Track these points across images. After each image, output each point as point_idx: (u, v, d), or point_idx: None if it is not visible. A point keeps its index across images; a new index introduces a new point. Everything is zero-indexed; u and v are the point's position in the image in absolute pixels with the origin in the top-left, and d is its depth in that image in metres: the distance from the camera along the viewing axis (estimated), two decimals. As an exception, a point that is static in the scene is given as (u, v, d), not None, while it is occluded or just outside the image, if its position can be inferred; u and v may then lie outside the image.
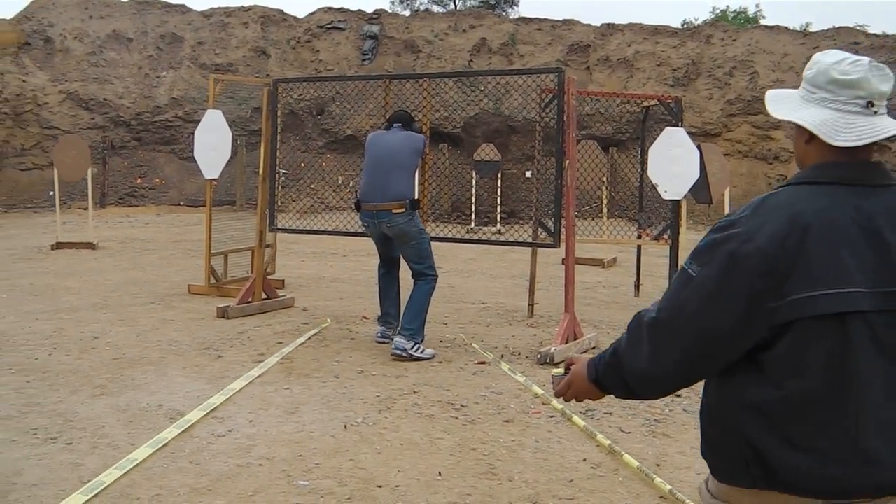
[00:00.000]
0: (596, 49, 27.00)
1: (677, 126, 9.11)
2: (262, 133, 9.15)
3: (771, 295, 1.93)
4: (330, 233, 8.98)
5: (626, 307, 10.22)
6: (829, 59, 2.12)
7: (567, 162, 7.52)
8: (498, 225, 20.81)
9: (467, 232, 18.53)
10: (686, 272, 2.07)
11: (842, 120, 2.07)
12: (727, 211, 11.73)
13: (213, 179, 10.12)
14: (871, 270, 1.94)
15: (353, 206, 7.65)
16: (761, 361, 1.98)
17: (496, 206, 21.70)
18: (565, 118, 7.53)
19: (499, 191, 21.26)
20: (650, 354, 2.09)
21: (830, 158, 2.08)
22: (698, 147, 9.38)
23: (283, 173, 23.14)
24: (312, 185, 23.43)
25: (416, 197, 7.38)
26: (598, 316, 9.44)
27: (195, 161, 10.19)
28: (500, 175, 21.15)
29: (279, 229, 9.46)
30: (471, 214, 21.35)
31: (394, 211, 7.17)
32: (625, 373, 2.17)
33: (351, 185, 23.09)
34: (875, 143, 2.06)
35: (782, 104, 2.20)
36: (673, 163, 9.02)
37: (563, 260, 8.03)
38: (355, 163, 23.10)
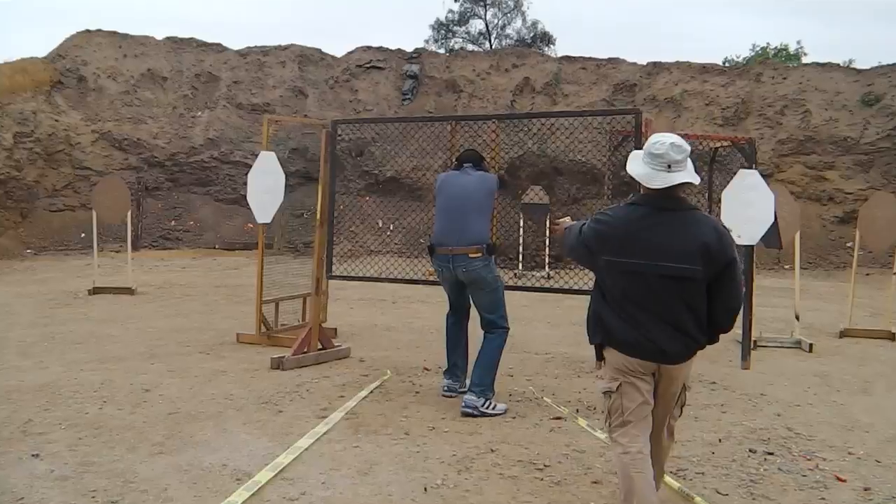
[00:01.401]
0: (642, 88, 26.90)
1: (751, 168, 8.94)
2: (321, 176, 9.04)
3: (603, 252, 4.48)
4: (394, 280, 8.92)
5: (701, 355, 9.94)
6: (651, 141, 4.45)
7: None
8: (546, 269, 20.60)
9: (515, 277, 18.33)
10: (583, 227, 4.66)
11: (654, 173, 4.37)
12: (797, 256, 11.51)
13: (265, 223, 9.99)
14: (644, 252, 4.34)
15: (426, 250, 7.55)
16: (602, 282, 4.53)
17: (544, 250, 21.51)
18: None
19: (547, 234, 21.08)
20: (568, 246, 4.79)
21: (648, 192, 4.44)
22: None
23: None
24: (352, 229, 23.37)
25: (494, 241, 7.26)
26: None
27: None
28: (548, 218, 20.99)
29: (337, 276, 9.31)
30: (518, 258, 21.17)
31: (471, 255, 7.05)
32: (565, 244, 4.85)
33: (392, 228, 23.04)
34: (675, 186, 4.34)
35: (631, 162, 4.55)
36: (747, 206, 8.87)
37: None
38: (396, 206, 23.07)
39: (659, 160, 4.35)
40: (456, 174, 7.42)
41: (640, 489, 4.35)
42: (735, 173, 9.43)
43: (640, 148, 7.36)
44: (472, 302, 7.47)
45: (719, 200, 9.74)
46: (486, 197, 7.24)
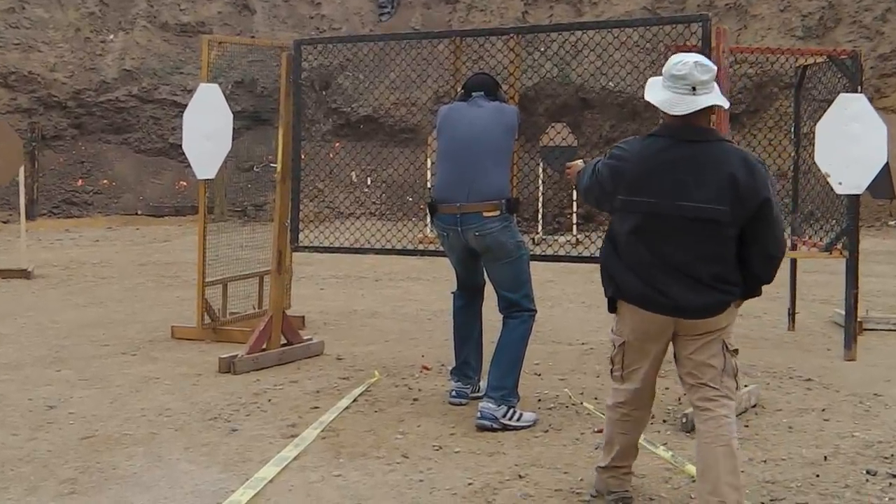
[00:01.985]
0: (696, -9, 26.75)
1: (856, 92, 8.79)
2: (281, 116, 8.94)
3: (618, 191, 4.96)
4: (380, 252, 8.75)
5: (782, 345, 9.93)
6: (671, 62, 4.87)
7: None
8: (574, 232, 20.53)
9: (534, 243, 18.23)
10: (597, 164, 5.15)
11: (676, 98, 4.80)
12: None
13: (208, 180, 9.91)
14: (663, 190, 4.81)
15: (426, 208, 7.46)
16: (614, 228, 5.06)
17: (571, 208, 21.42)
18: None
19: (573, 186, 20.99)
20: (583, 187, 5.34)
21: (670, 122, 4.92)
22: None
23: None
24: (318, 185, 23.20)
25: (515, 196, 7.13)
26: (746, 358, 9.07)
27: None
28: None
29: (305, 248, 9.18)
30: (537, 219, 21.07)
31: (485, 214, 6.94)
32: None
33: (369, 183, 22.93)
34: (701, 111, 4.81)
35: (650, 89, 4.96)
36: (850, 143, 8.76)
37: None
38: (374, 153, 22.92)
39: (682, 82, 4.79)
40: (463, 106, 7.31)
41: (621, 449, 5.31)
42: (827, 102, 9.28)
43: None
44: (487, 277, 7.37)
45: (809, 140, 9.59)
46: (504, 135, 7.16)
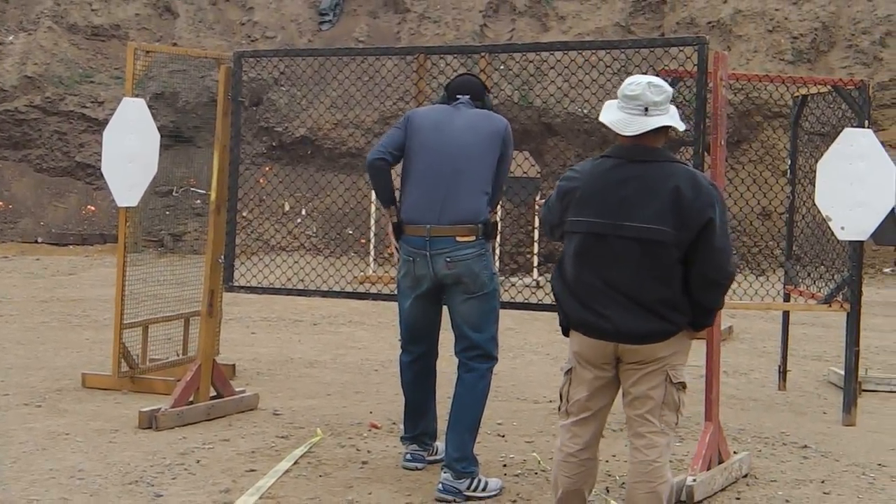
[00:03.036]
0: (675, 7, 27.03)
1: (864, 127, 8.89)
2: (217, 135, 8.86)
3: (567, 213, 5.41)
4: (327, 294, 8.74)
5: (773, 407, 9.99)
6: (625, 82, 5.30)
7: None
8: (535, 274, 20.57)
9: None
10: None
11: (628, 118, 5.25)
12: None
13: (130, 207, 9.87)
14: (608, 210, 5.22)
15: (392, 228, 7.20)
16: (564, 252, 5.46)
17: (531, 247, 21.49)
18: (709, 115, 7.33)
19: (536, 223, 21.02)
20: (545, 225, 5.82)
21: (622, 142, 5.38)
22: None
23: (203, 194, 22.87)
24: (245, 215, 23.13)
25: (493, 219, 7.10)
26: (734, 421, 9.18)
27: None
28: (538, 199, 20.92)
29: (241, 288, 9.12)
30: (494, 258, 21.08)
31: (459, 239, 6.82)
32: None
33: (304, 213, 22.86)
34: (655, 132, 5.27)
35: (605, 110, 5.40)
36: (855, 184, 8.81)
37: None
38: (311, 179, 22.81)
39: (634, 103, 5.25)
40: (444, 110, 7.21)
41: (563, 495, 5.53)
42: (822, 136, 9.37)
43: (704, 97, 7.46)
44: (451, 313, 7.17)
45: (810, 177, 9.68)
46: (490, 149, 7.00)
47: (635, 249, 5.12)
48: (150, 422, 8.44)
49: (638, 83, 5.26)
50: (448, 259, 6.84)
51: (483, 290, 6.95)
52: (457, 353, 7.12)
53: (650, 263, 5.12)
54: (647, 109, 5.22)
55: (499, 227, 7.49)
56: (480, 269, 6.92)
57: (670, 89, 5.39)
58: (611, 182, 5.25)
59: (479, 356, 7.04)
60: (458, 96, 7.21)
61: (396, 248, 7.19)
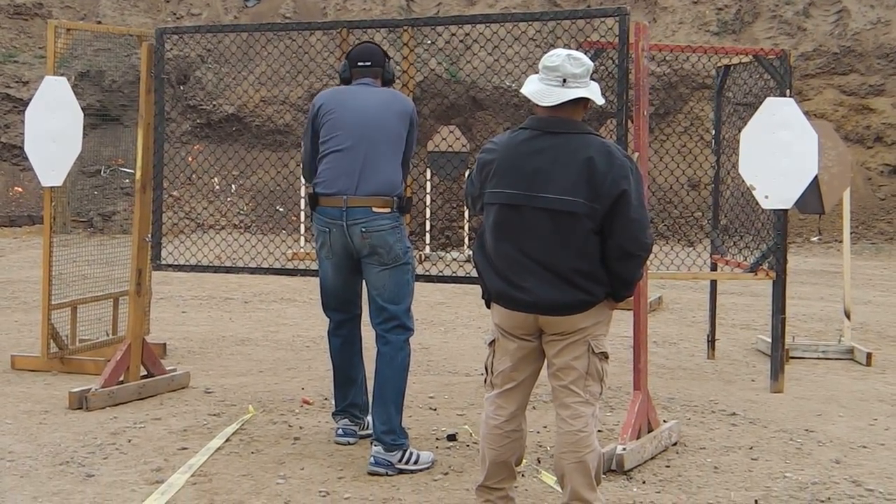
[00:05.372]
0: (600, -20, 27.10)
1: (785, 96, 8.96)
2: (142, 114, 8.80)
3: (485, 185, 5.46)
4: (255, 270, 8.73)
5: (702, 376, 10.08)
6: (546, 54, 5.39)
7: (636, 154, 7.29)
8: (465, 248, 20.60)
9: (422, 261, 18.25)
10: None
11: (547, 89, 5.33)
12: (847, 226, 11.64)
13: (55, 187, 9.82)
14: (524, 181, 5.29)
15: (307, 202, 7.35)
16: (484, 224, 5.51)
17: (461, 221, 21.51)
18: (632, 86, 7.37)
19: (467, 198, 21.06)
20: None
21: (540, 113, 5.44)
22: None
23: (131, 173, 22.61)
24: (174, 193, 22.99)
25: (407, 194, 7.23)
26: (664, 390, 9.24)
27: None
28: (467, 173, 20.98)
29: (169, 266, 9.08)
30: (424, 234, 21.11)
31: (375, 209, 6.90)
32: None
33: (234, 190, 22.75)
34: (573, 104, 5.36)
35: (527, 83, 5.47)
36: (778, 153, 8.89)
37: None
38: (239, 157, 22.68)
39: (553, 74, 5.34)
40: (352, 89, 7.27)
41: (490, 466, 5.54)
42: (746, 106, 9.44)
43: (627, 69, 7.49)
44: (367, 285, 7.24)
45: (729, 147, 9.76)
46: (399, 125, 7.12)
47: (549, 221, 5.20)
48: (80, 402, 8.38)
49: (558, 55, 5.34)
50: (364, 229, 6.91)
51: (397, 261, 7.04)
52: (374, 325, 7.18)
53: (565, 235, 5.20)
54: (565, 81, 5.30)
55: (412, 202, 7.65)
56: (395, 241, 7.00)
57: (590, 63, 5.44)
58: (526, 153, 5.33)
59: (395, 327, 7.11)
60: (359, 64, 7.27)
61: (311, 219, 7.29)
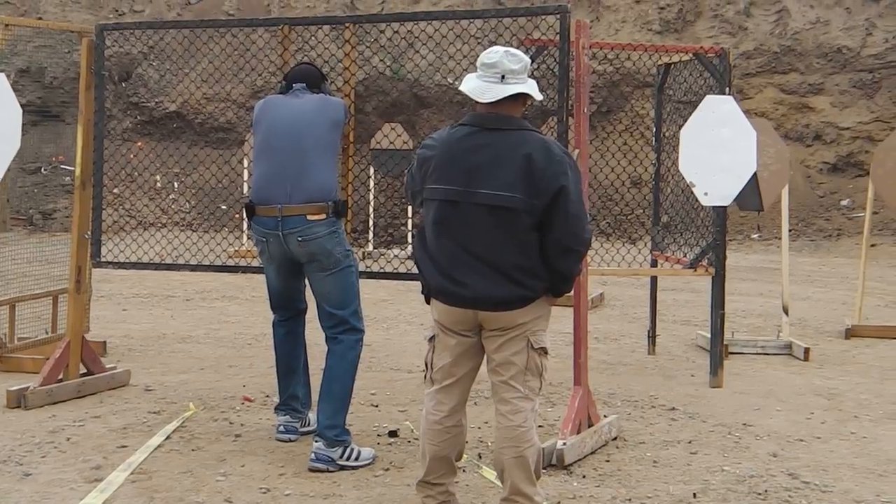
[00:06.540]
0: (543, -22, 27.14)
1: (724, 94, 9.01)
2: (81, 110, 8.73)
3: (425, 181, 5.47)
4: (196, 267, 8.68)
5: (643, 371, 10.13)
6: (484, 52, 5.44)
7: (576, 151, 7.32)
8: (408, 245, 20.60)
9: (365, 258, 18.25)
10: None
11: (485, 86, 5.36)
12: (786, 223, 11.73)
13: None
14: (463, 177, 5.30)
15: (243, 212, 7.34)
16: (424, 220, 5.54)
17: (405, 218, 21.49)
18: (573, 83, 7.41)
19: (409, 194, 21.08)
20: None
21: (479, 110, 5.48)
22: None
23: (72, 171, 22.44)
24: (115, 191, 22.86)
25: (342, 198, 7.24)
26: (605, 385, 9.29)
27: None
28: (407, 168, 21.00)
29: (109, 264, 9.01)
30: (368, 231, 21.09)
31: (310, 217, 6.89)
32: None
33: (176, 188, 22.62)
34: (511, 101, 5.38)
35: (465, 80, 5.47)
36: (718, 150, 8.94)
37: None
38: (181, 154, 22.62)
39: (492, 70, 5.38)
40: (283, 98, 7.30)
41: (430, 462, 5.58)
42: (687, 104, 9.49)
43: (568, 66, 7.58)
44: (312, 291, 7.29)
45: (671, 145, 9.81)
46: (330, 130, 7.14)
47: (488, 216, 5.24)
48: (18, 401, 8.32)
49: (496, 52, 5.39)
50: (300, 238, 6.92)
51: (338, 265, 7.05)
52: (323, 329, 7.19)
53: (504, 230, 5.24)
54: (503, 77, 5.34)
55: (348, 205, 7.66)
56: (333, 247, 7.00)
57: (528, 59, 5.51)
58: (464, 149, 5.36)
59: (346, 330, 7.12)
60: (294, 85, 7.31)
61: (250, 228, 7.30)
